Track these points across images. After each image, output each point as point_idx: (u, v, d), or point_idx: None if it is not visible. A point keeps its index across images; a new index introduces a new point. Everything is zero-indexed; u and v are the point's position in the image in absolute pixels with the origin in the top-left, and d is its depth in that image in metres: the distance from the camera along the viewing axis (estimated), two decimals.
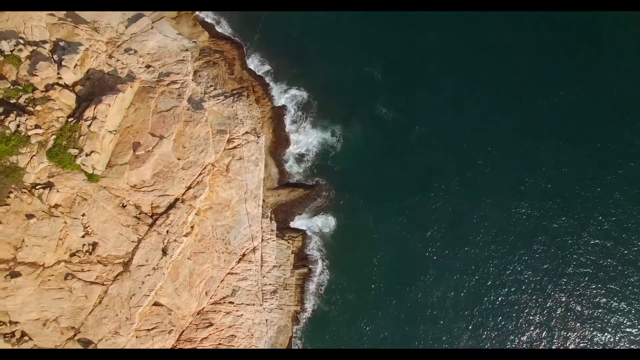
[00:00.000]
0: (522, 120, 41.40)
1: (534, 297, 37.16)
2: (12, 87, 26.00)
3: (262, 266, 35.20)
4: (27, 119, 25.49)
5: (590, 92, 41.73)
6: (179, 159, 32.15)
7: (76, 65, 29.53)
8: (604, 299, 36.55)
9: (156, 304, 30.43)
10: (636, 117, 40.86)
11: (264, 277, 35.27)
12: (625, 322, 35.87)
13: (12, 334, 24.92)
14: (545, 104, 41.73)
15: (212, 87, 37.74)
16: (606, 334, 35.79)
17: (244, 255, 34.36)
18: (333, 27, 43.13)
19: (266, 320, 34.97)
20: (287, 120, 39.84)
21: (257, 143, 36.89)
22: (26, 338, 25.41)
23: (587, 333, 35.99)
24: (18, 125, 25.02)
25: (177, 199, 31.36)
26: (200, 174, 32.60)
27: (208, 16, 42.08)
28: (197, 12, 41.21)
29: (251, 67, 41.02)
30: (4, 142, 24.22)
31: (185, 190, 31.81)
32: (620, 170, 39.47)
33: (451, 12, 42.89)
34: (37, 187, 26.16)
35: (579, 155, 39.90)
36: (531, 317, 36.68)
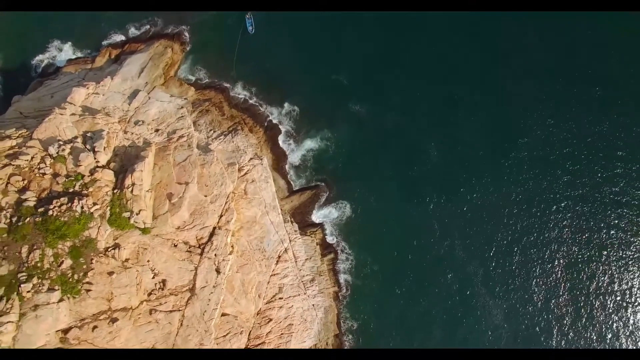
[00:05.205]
0: (481, 92, 47.81)
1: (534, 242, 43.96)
2: (66, 179, 32.74)
3: (296, 262, 40.68)
4: (86, 200, 32.09)
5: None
6: (205, 196, 37.88)
7: (105, 147, 35.88)
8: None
9: (224, 314, 35.45)
10: None
11: (300, 270, 40.97)
12: None
13: None
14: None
15: (212, 131, 43.89)
16: None
17: (279, 257, 39.55)
18: (298, 47, 48.74)
19: (313, 305, 40.71)
20: (280, 138, 45.45)
21: (262, 164, 42.42)
22: None
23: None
24: (82, 207, 31.51)
25: (214, 228, 36.44)
26: (226, 203, 37.74)
27: (186, 71, 47.73)
28: (178, 73, 47.81)
29: (236, 103, 46.29)
30: (77, 223, 30.76)
31: (219, 219, 36.87)
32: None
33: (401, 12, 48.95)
34: (109, 249, 32.60)
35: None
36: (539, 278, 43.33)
